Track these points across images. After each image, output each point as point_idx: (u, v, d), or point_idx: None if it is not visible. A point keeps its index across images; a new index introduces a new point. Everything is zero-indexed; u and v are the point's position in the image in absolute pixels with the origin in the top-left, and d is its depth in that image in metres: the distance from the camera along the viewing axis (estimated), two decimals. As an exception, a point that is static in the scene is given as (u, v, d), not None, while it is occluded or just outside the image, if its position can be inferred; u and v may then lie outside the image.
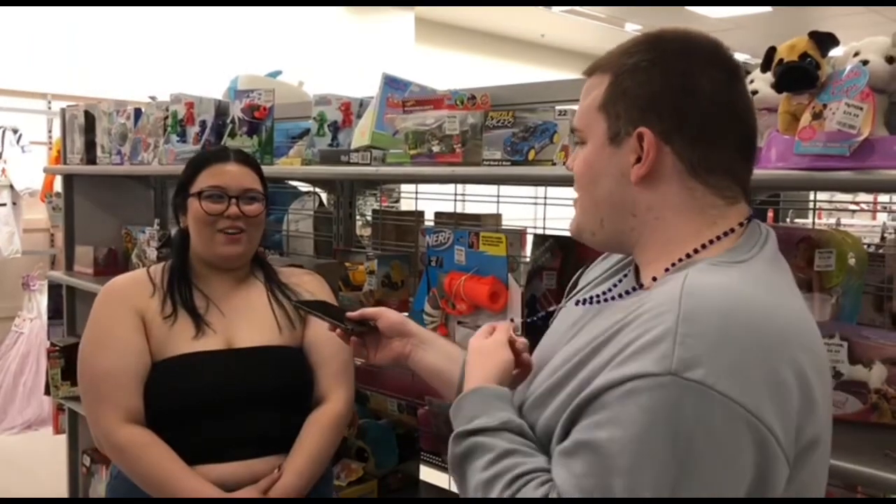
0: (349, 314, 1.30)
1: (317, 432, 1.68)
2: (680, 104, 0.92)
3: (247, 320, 1.73)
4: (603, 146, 0.96)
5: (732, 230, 0.93)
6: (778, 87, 1.21)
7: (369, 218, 2.81)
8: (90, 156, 3.00)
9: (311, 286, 1.84)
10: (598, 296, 1.02)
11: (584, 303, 1.03)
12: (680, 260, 0.92)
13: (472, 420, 0.95)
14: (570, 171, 1.04)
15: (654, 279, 0.94)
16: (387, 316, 1.28)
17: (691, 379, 0.76)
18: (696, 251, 0.92)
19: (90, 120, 2.99)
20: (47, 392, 3.09)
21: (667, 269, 0.93)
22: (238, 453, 1.61)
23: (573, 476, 0.82)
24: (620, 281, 1.05)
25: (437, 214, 2.46)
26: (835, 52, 1.22)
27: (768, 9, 7.93)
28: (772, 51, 1.23)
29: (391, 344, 1.28)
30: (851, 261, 1.50)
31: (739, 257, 0.90)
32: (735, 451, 0.77)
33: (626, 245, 1.00)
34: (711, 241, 0.92)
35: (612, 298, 1.00)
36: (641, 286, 0.97)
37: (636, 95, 0.93)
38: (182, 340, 1.67)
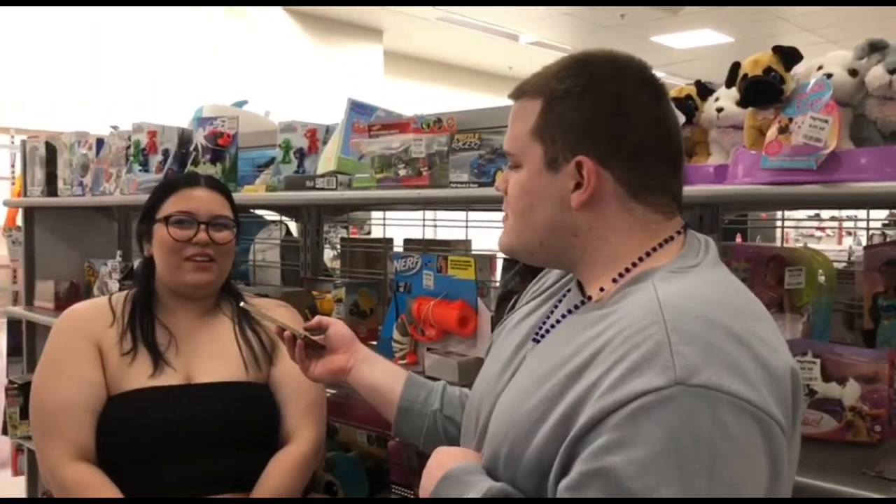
0: (306, 324, 1.34)
1: (279, 474, 1.59)
2: (615, 128, 0.92)
3: (209, 355, 1.66)
4: (540, 172, 0.96)
5: (672, 238, 0.95)
6: (743, 101, 1.21)
7: (339, 249, 2.77)
8: (51, 188, 2.94)
9: (281, 317, 1.78)
10: (545, 322, 1.02)
11: (541, 337, 1.01)
12: (627, 270, 0.93)
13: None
14: (500, 193, 1.04)
15: (602, 289, 0.94)
16: (340, 325, 1.34)
17: (697, 384, 0.77)
18: (640, 259, 0.94)
19: (51, 151, 2.94)
20: (4, 432, 2.99)
21: (614, 280, 0.94)
22: (193, 491, 1.53)
23: None
24: (560, 300, 1.05)
25: (406, 241, 2.43)
26: (796, 70, 1.22)
27: (730, 39, 8.10)
28: (736, 66, 1.23)
29: (335, 357, 1.31)
30: (821, 279, 1.50)
31: (690, 262, 0.92)
32: (749, 446, 0.78)
33: (566, 263, 1.01)
34: (655, 249, 0.94)
35: (563, 317, 0.99)
36: (590, 299, 0.97)
37: (571, 121, 0.93)
38: (139, 376, 1.60)
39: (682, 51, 8.59)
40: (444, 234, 2.52)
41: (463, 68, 9.67)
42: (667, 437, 0.75)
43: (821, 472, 1.14)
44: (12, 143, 5.30)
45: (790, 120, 1.14)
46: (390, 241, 2.53)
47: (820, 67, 1.16)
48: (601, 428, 0.78)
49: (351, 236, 2.99)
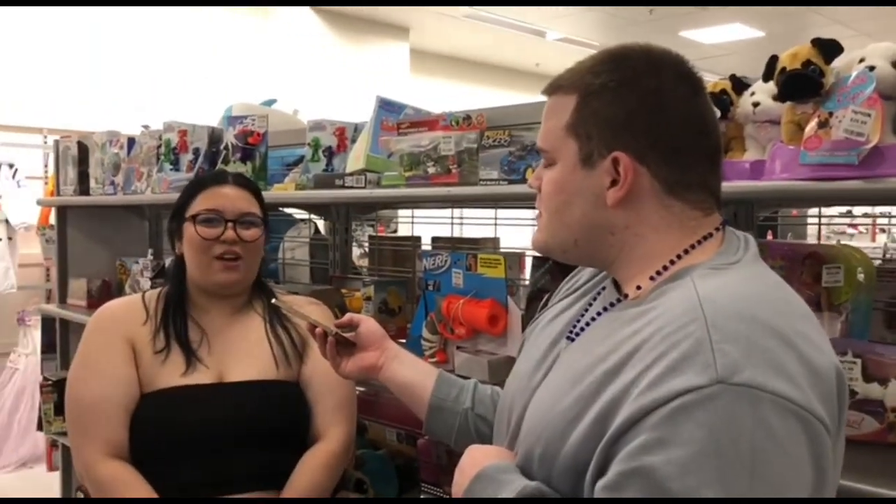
0: (337, 321, 1.34)
1: (309, 472, 1.59)
2: (652, 124, 0.91)
3: (241, 354, 1.67)
4: (574, 168, 0.94)
5: (711, 234, 0.93)
6: (781, 95, 1.18)
7: (366, 248, 2.77)
8: (83, 187, 2.97)
9: (312, 314, 1.78)
10: (579, 320, 1.01)
11: (575, 335, 0.99)
12: (665, 268, 0.91)
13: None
14: (533, 190, 1.03)
15: (639, 287, 0.93)
16: (371, 323, 1.33)
17: (739, 383, 0.75)
18: (678, 256, 0.92)
19: (83, 151, 2.97)
20: (40, 428, 3.03)
21: (652, 278, 0.92)
22: (225, 489, 1.54)
23: None
24: (595, 298, 1.03)
25: (435, 239, 2.42)
26: (835, 63, 1.19)
27: (761, 34, 7.98)
28: (774, 60, 1.20)
29: (366, 354, 1.30)
30: (860, 276, 1.46)
31: (730, 259, 0.90)
32: (793, 447, 0.76)
33: (601, 261, 0.99)
34: (693, 246, 0.92)
35: (598, 314, 0.98)
36: (626, 296, 0.95)
37: (607, 116, 0.92)
38: (171, 374, 1.61)
39: (712, 46, 8.47)
40: (469, 232, 2.51)
41: (489, 65, 9.62)
42: (708, 437, 0.74)
43: (862, 474, 1.11)
44: (45, 142, 5.37)
45: (830, 114, 1.11)
46: (418, 239, 2.52)
47: (861, 60, 1.13)
48: (640, 427, 0.77)
49: (378, 234, 2.99)
